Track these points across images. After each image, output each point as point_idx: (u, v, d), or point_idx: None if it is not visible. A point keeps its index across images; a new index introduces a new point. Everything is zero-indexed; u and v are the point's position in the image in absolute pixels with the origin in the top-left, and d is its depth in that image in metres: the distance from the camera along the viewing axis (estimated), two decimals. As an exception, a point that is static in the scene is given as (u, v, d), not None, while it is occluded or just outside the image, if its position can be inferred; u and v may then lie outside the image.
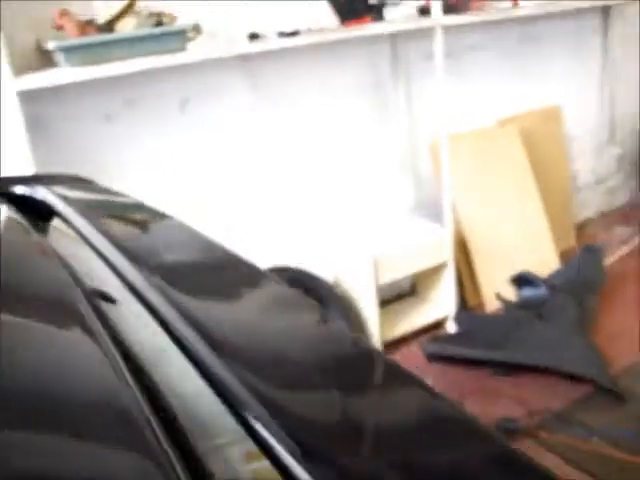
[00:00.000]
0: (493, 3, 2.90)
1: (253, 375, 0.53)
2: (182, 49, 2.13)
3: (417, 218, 3.00)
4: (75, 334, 0.55)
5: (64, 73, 1.98)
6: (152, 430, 0.44)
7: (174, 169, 2.41)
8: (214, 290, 0.72)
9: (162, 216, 0.96)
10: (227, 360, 0.54)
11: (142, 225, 0.96)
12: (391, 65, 2.86)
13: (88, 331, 0.55)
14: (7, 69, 1.88)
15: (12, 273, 0.64)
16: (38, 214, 0.99)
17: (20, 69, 1.93)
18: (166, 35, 2.11)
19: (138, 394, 0.49)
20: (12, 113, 1.91)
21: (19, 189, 1.05)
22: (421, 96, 2.92)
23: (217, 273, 0.77)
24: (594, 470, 1.96)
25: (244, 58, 2.41)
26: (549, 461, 1.95)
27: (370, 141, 2.86)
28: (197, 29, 2.27)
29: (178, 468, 0.42)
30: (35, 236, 0.85)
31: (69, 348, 0.53)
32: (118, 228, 0.92)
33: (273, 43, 2.31)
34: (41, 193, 1.03)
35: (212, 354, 0.54)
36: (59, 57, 2.02)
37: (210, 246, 0.82)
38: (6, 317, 0.53)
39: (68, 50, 1.98)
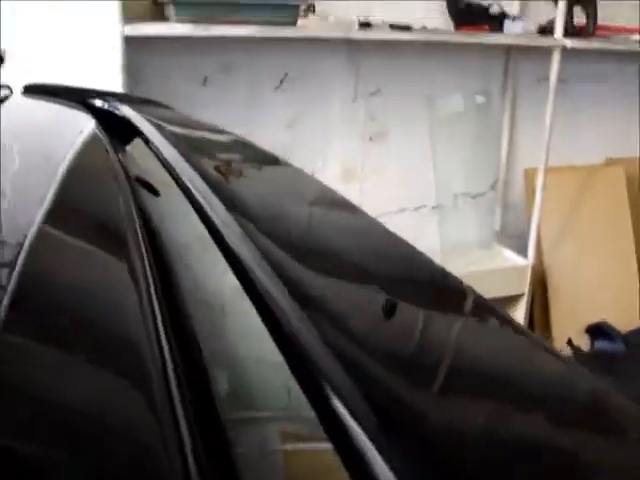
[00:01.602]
0: (620, 35, 2.75)
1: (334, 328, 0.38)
2: (293, 23, 2.10)
3: (499, 244, 2.86)
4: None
5: (172, 26, 1.98)
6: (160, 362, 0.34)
7: (263, 144, 2.37)
8: (310, 233, 0.60)
9: (261, 152, 0.89)
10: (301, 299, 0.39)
11: (232, 155, 0.88)
12: (501, 81, 2.75)
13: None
14: (117, 15, 1.89)
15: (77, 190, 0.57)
16: (121, 133, 0.93)
17: (131, 18, 1.93)
18: (280, 6, 2.08)
19: (157, 312, 0.39)
20: (113, 59, 1.92)
21: (104, 104, 1.01)
22: (527, 118, 2.78)
23: (317, 209, 0.68)
24: None
25: (350, 45, 2.35)
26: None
27: (464, 153, 2.74)
28: (311, 7, 2.24)
29: (182, 419, 0.30)
30: (112, 156, 0.80)
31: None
32: (203, 156, 0.84)
33: (384, 33, 2.25)
34: (126, 111, 0.98)
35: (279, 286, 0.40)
36: (170, 11, 2.02)
37: (314, 185, 0.74)
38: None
39: (180, 4, 1.97)
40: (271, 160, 0.89)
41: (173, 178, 0.59)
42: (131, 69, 1.97)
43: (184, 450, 0.27)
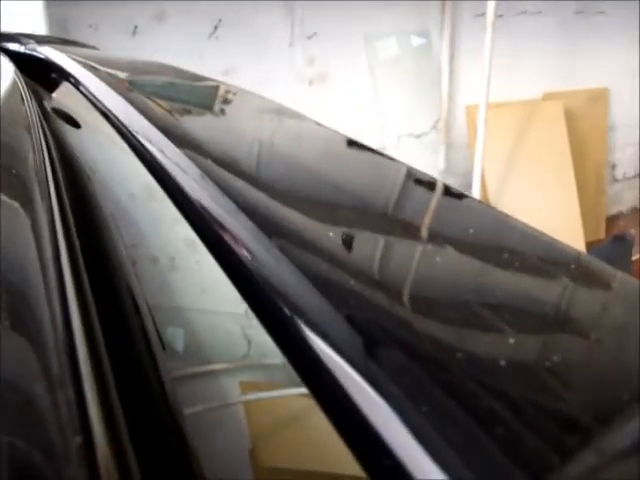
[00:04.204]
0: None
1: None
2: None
3: (444, 181, 2.87)
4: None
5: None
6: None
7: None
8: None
9: (208, 83, 0.82)
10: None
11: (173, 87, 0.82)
12: (439, 17, 2.72)
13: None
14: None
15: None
16: (44, 76, 0.87)
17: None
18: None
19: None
20: (36, 11, 1.81)
21: (21, 47, 0.94)
22: (466, 55, 2.77)
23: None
24: None
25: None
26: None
27: (405, 93, 2.71)
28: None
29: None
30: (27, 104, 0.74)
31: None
32: (144, 95, 0.78)
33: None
34: (49, 53, 0.91)
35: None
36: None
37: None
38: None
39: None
40: (219, 89, 0.83)
41: (111, 123, 0.54)
42: (55, 21, 1.87)
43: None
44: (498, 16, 2.51)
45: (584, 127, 3.14)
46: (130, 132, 0.48)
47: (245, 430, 0.57)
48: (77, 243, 0.37)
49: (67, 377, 0.22)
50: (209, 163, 0.42)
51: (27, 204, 0.38)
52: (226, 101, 0.78)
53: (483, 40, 2.48)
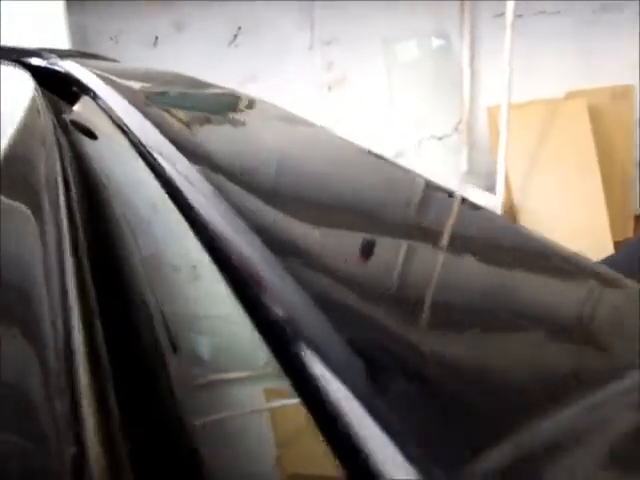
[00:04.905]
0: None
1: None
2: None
3: (467, 183, 2.85)
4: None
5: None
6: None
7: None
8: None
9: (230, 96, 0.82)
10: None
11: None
12: (458, 18, 2.70)
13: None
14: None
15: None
16: (62, 90, 0.88)
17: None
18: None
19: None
20: (58, 24, 1.83)
21: (43, 61, 0.95)
22: (487, 56, 2.75)
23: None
24: None
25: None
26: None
27: (426, 96, 2.70)
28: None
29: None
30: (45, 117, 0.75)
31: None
32: (161, 108, 0.78)
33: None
34: (69, 67, 0.92)
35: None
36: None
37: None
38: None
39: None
40: (236, 99, 0.83)
41: (126, 136, 0.54)
42: (77, 34, 1.89)
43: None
44: (517, 16, 2.49)
45: (609, 125, 3.09)
46: (144, 145, 0.48)
47: (271, 437, 0.56)
48: (85, 248, 0.37)
49: (64, 383, 0.22)
50: (221, 178, 0.42)
51: (37, 211, 0.38)
52: (243, 111, 0.78)
53: (503, 40, 2.46)
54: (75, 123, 0.69)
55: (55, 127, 0.68)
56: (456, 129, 2.85)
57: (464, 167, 2.90)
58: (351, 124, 2.60)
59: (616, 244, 3.03)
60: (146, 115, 0.55)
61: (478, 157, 2.90)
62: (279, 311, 0.29)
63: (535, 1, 2.80)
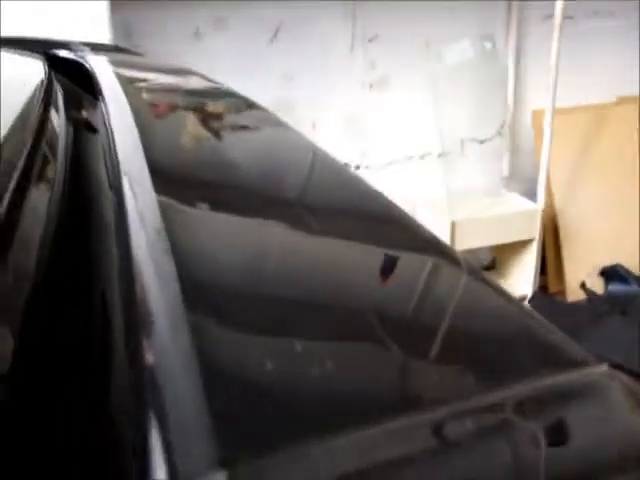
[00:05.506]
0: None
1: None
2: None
3: (508, 188, 2.80)
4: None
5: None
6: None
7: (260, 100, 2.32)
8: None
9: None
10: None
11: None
12: (505, 20, 2.65)
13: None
14: (102, -30, 1.83)
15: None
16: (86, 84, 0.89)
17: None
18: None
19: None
20: (100, 16, 1.87)
21: (70, 54, 0.97)
22: (534, 58, 2.69)
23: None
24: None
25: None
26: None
27: (469, 97, 2.66)
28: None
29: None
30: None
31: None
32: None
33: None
34: (95, 64, 0.93)
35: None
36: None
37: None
38: None
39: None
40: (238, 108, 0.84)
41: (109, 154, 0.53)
42: (119, 26, 1.92)
43: None
44: (567, 17, 2.43)
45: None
46: (119, 170, 0.47)
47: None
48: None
49: None
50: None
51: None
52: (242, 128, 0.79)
53: (551, 42, 2.41)
54: (79, 118, 0.70)
55: (63, 119, 0.70)
56: (499, 133, 2.80)
57: (505, 172, 2.85)
58: (392, 125, 2.58)
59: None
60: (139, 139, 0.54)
61: (520, 162, 2.84)
62: None
63: (588, 1, 2.72)
